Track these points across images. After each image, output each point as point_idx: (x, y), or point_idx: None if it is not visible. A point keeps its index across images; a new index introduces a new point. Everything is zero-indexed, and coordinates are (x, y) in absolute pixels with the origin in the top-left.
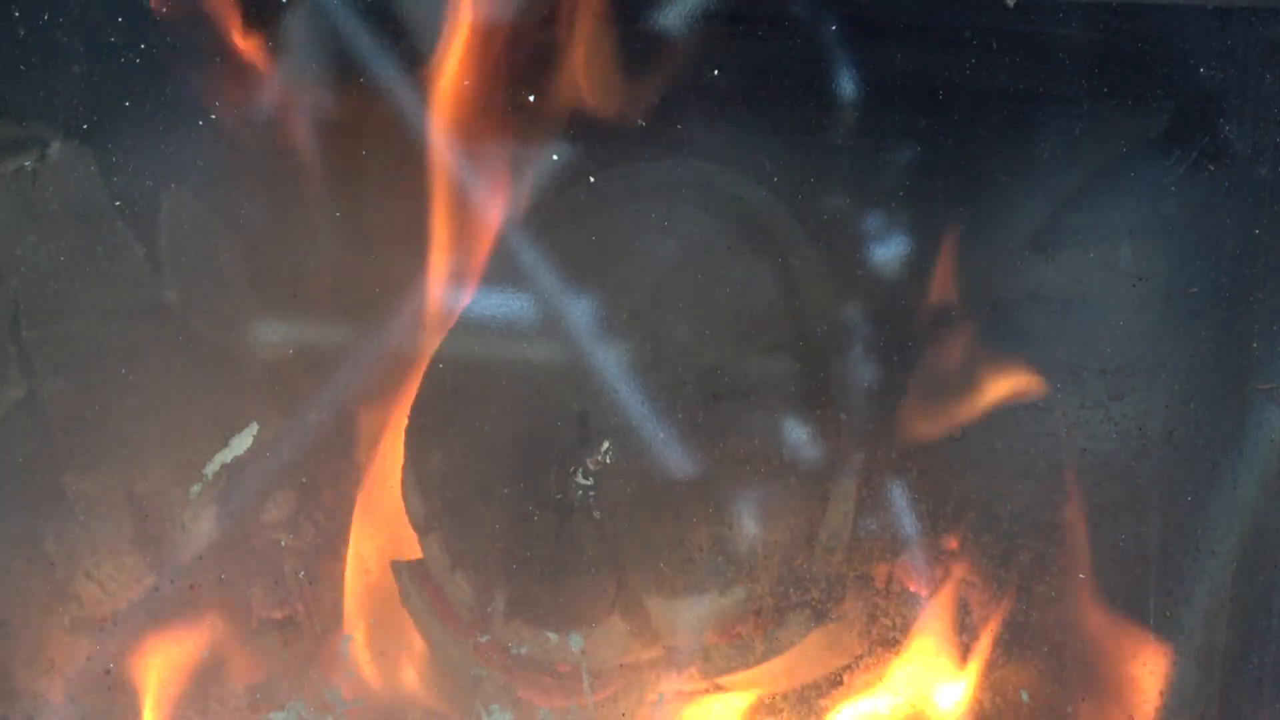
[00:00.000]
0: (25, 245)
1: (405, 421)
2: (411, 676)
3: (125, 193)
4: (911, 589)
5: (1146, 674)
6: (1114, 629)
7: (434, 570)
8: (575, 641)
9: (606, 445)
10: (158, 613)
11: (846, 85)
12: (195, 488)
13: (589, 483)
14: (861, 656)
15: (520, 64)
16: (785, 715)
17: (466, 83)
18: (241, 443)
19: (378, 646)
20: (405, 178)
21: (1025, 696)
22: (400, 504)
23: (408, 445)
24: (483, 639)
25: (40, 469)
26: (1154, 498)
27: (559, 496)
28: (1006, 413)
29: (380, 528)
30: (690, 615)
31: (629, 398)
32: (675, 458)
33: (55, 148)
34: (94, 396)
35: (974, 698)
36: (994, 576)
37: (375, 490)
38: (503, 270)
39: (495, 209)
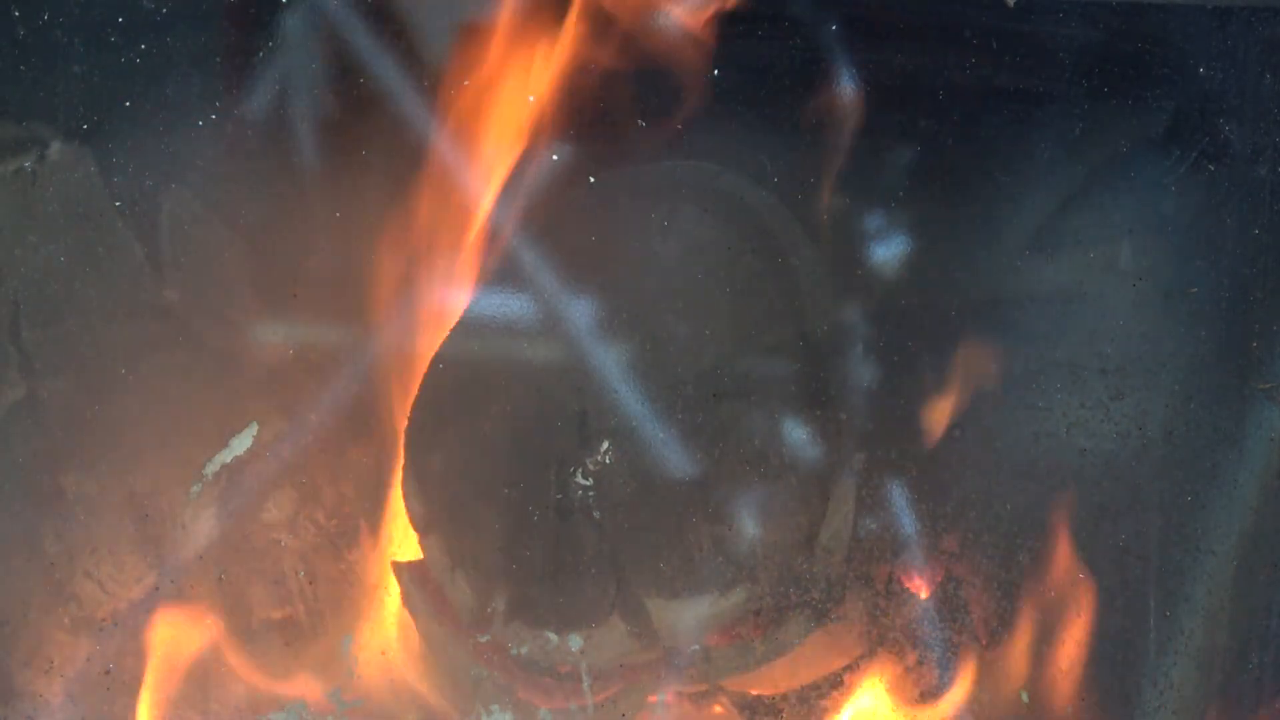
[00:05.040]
0: (25, 245)
1: (405, 421)
2: (411, 676)
3: (125, 193)
4: (911, 589)
5: (1146, 674)
6: (1114, 628)
7: (434, 571)
8: (575, 642)
9: (606, 445)
10: (158, 613)
11: (846, 85)
12: (195, 488)
13: (589, 483)
14: (861, 656)
15: (520, 64)
16: (785, 715)
17: (466, 82)
18: (241, 443)
19: (378, 646)
20: (405, 178)
21: (1025, 697)
22: (400, 504)
23: (408, 445)
24: (483, 639)
25: (40, 469)
26: (1154, 498)
27: (559, 496)
28: (1006, 413)
29: (380, 528)
30: (690, 616)
31: (629, 398)
32: (675, 458)
33: (55, 148)
34: (94, 396)
35: (974, 697)
36: (994, 576)
37: (375, 491)
38: (503, 270)
39: (495, 209)
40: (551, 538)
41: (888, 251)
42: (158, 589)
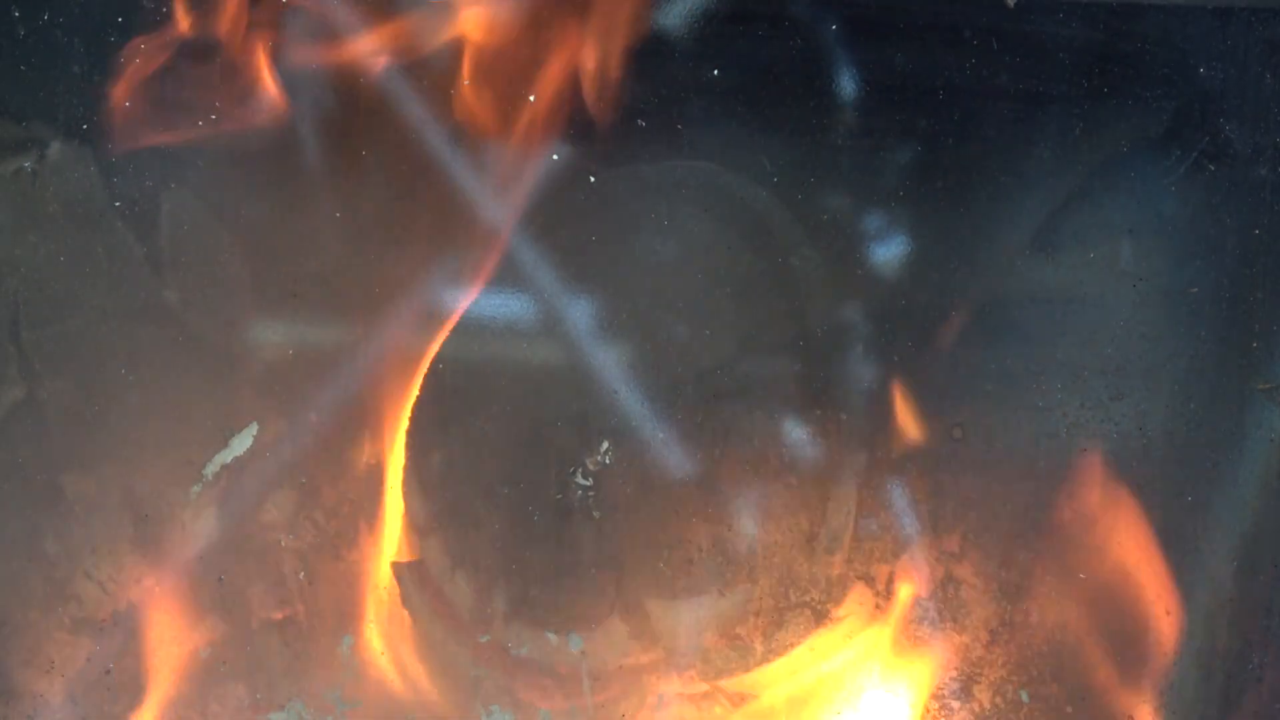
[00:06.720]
0: (25, 245)
1: (405, 422)
2: (411, 676)
3: (125, 193)
4: (911, 589)
5: (1146, 674)
6: (1113, 629)
7: (434, 571)
8: (575, 643)
9: (606, 446)
10: (158, 613)
11: (846, 85)
12: (195, 488)
13: (589, 483)
14: (861, 657)
15: (520, 64)
16: (785, 715)
17: (467, 83)
18: (241, 443)
19: (378, 646)
20: (406, 178)
21: (1025, 696)
22: (400, 504)
23: (408, 445)
24: (483, 640)
25: (40, 469)
26: (1154, 498)
27: (559, 497)
28: (1006, 413)
29: (380, 528)
30: (690, 616)
31: (629, 398)
32: (675, 458)
33: (55, 148)
34: (94, 396)
35: (974, 697)
36: (994, 576)
37: (375, 491)
38: (503, 270)
39: (496, 209)
40: (551, 538)
41: (888, 251)
42: (158, 589)
